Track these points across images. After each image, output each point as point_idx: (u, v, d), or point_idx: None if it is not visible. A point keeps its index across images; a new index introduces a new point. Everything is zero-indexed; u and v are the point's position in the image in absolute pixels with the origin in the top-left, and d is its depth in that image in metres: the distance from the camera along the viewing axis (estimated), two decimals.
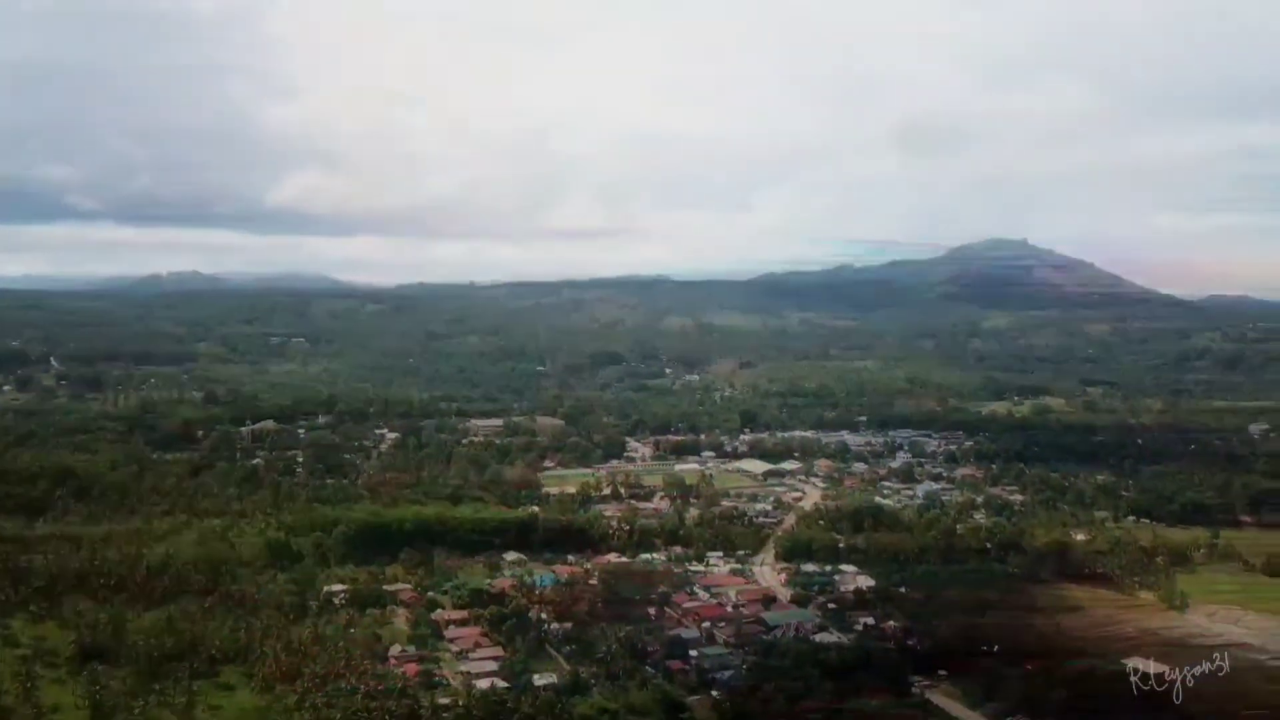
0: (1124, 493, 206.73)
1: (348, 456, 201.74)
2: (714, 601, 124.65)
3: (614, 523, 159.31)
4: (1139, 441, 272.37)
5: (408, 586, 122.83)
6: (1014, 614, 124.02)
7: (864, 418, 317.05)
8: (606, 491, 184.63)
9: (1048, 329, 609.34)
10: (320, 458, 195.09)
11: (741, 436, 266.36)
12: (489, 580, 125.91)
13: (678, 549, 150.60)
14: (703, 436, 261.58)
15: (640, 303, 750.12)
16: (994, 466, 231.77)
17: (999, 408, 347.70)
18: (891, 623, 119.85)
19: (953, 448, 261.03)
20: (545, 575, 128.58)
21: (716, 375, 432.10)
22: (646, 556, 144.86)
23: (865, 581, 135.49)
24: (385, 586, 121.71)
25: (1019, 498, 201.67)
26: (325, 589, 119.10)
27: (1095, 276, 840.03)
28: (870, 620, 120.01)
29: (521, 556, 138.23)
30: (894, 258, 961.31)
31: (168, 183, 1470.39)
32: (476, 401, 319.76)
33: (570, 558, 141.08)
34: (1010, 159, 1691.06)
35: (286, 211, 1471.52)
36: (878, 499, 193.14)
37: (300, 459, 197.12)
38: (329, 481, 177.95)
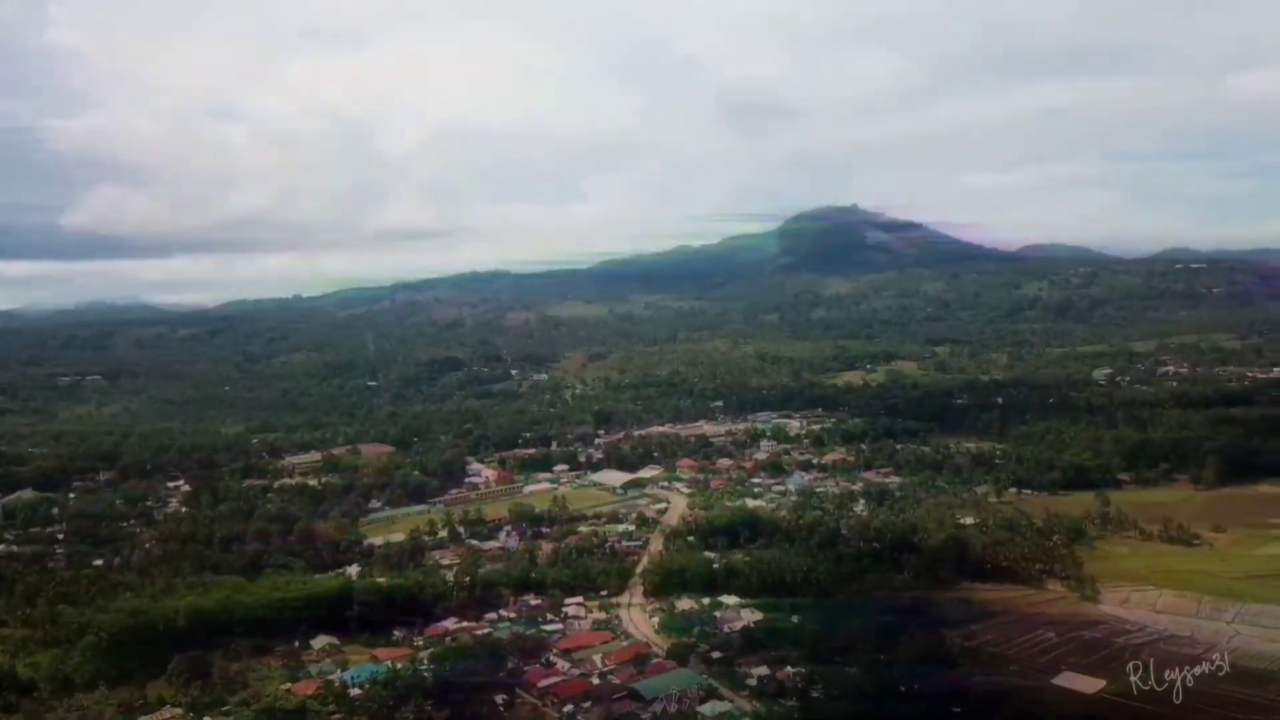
0: (998, 460, 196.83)
1: (125, 525, 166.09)
2: (577, 673, 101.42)
3: (451, 574, 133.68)
4: (998, 400, 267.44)
5: (177, 712, 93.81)
6: (925, 636, 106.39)
7: (720, 402, 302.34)
8: (443, 533, 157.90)
9: (886, 291, 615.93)
10: (86, 533, 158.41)
11: (597, 441, 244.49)
12: (287, 684, 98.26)
13: (530, 598, 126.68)
14: (555, 446, 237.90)
15: (480, 300, 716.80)
16: (863, 447, 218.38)
17: (853, 377, 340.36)
18: (789, 669, 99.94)
19: (816, 428, 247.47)
20: (361, 667, 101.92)
21: (565, 371, 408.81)
22: (492, 616, 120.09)
23: (751, 616, 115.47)
24: (143, 717, 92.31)
25: (895, 480, 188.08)
26: None
27: (924, 236, 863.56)
28: (764, 670, 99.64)
29: (333, 641, 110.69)
30: (729, 234, 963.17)
31: None
32: (299, 429, 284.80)
33: (396, 633, 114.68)
34: (829, 129, 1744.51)
35: (89, 234, 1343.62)
36: (748, 501, 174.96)
37: (61, 537, 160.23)
38: (96, 564, 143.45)
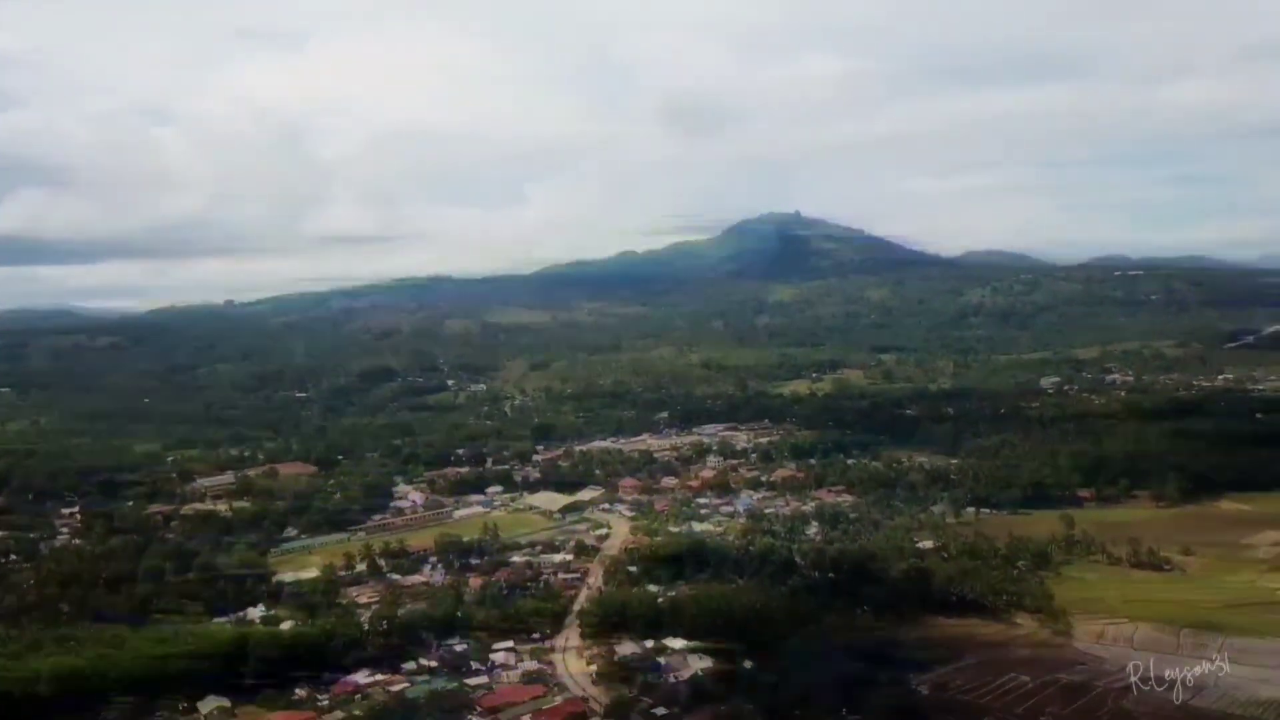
0: (953, 477, 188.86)
1: (6, 562, 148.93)
2: None
3: (368, 615, 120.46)
4: (949, 411, 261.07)
5: None
6: (891, 685, 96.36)
7: (665, 413, 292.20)
8: (361, 566, 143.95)
9: (830, 297, 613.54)
10: None
11: (535, 457, 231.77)
12: None
13: (455, 643, 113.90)
14: (490, 464, 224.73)
15: (419, 307, 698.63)
16: (813, 462, 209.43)
17: (800, 386, 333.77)
18: None
19: (764, 441, 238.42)
20: None
21: (505, 381, 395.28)
22: (411, 666, 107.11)
23: (699, 663, 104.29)
24: None
25: (849, 499, 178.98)
26: None
27: (867, 243, 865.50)
28: None
29: (224, 703, 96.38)
30: (674, 240, 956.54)
31: None
32: (221, 445, 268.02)
33: (300, 690, 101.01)
34: (772, 135, 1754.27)
35: (11, 238, 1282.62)
36: (695, 524, 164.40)
37: None
38: None
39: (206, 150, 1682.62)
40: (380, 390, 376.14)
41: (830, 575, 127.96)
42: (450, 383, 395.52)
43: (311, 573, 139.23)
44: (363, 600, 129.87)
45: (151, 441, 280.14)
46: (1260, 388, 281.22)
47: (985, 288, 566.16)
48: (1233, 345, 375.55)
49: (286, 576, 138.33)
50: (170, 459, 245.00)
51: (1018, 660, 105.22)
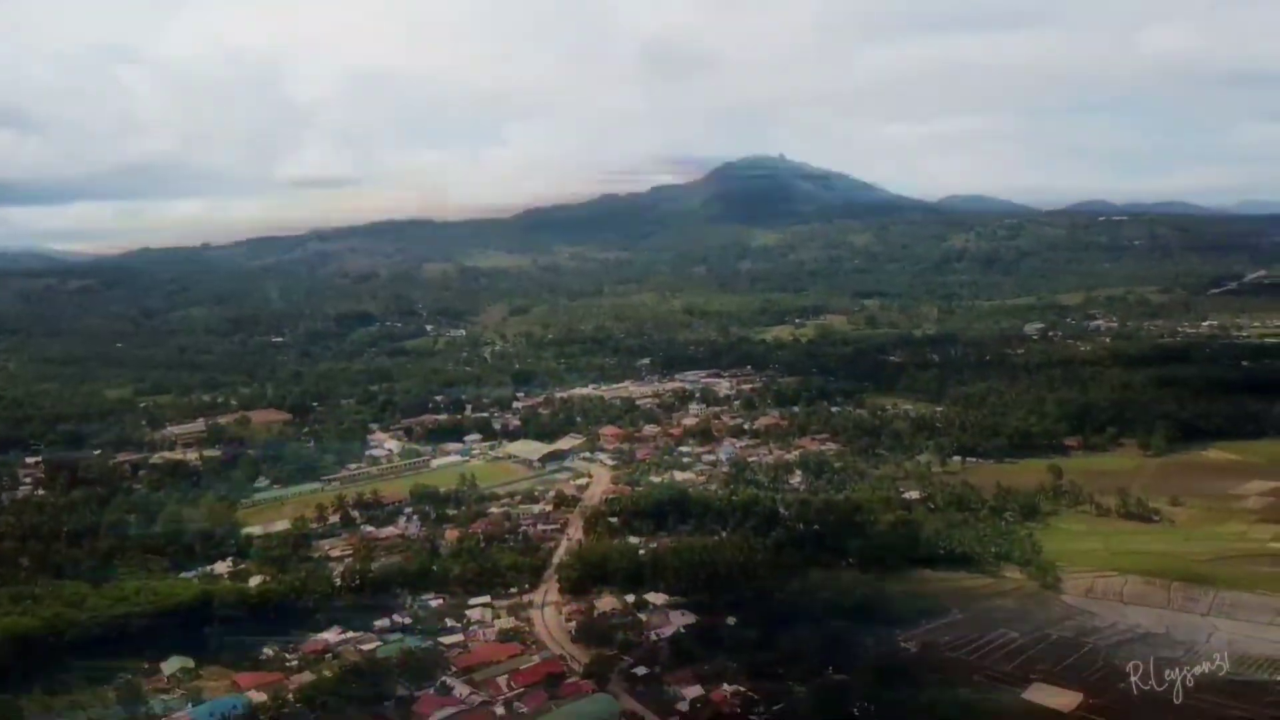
0: (938, 425, 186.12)
1: None
2: (477, 699, 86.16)
3: (340, 569, 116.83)
4: (934, 358, 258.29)
5: None
6: (879, 642, 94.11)
7: (647, 360, 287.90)
8: (334, 518, 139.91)
9: (813, 242, 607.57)
10: None
11: (514, 405, 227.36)
12: None
13: (429, 598, 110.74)
14: (469, 410, 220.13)
15: (396, 249, 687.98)
16: (796, 410, 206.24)
17: (782, 332, 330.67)
18: (725, 687, 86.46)
19: (746, 388, 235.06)
20: (216, 701, 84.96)
21: (484, 326, 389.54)
22: (384, 623, 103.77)
23: (681, 619, 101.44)
24: None
25: (833, 447, 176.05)
26: None
27: (850, 186, 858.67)
28: (698, 690, 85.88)
29: (188, 664, 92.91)
30: (656, 184, 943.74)
31: None
32: (194, 391, 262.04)
33: (267, 650, 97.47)
34: (753, 80, 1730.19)
35: None
36: (676, 473, 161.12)
37: None
38: None
39: (177, 91, 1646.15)
40: (357, 335, 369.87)
41: (815, 527, 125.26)
42: (429, 328, 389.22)
43: (282, 525, 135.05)
44: (335, 554, 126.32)
45: (123, 387, 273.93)
46: (1244, 334, 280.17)
47: (969, 233, 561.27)
48: (1216, 291, 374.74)
49: (256, 529, 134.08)
50: (142, 405, 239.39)
51: (1006, 615, 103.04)
